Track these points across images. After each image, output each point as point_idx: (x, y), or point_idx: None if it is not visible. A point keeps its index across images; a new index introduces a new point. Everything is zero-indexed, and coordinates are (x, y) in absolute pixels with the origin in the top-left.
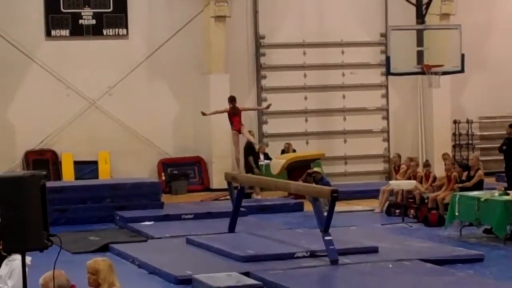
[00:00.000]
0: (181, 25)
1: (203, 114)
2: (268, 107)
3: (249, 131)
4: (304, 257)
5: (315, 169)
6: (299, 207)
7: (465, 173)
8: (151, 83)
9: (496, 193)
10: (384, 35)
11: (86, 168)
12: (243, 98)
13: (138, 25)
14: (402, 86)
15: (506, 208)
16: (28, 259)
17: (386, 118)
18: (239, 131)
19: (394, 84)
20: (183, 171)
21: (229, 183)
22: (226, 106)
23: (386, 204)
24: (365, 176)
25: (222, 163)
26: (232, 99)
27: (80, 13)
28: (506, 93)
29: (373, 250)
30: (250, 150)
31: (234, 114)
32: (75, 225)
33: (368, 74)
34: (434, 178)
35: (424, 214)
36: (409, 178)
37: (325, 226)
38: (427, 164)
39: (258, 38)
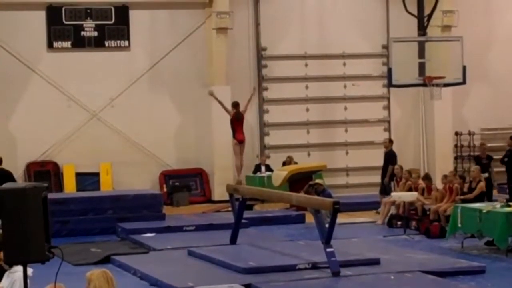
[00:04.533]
0: (183, 37)
1: (211, 93)
2: (254, 92)
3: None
4: (305, 269)
5: (317, 180)
6: (300, 219)
7: (467, 185)
8: (152, 94)
9: (498, 205)
10: (386, 47)
11: (88, 179)
12: None
13: (140, 37)
14: (403, 98)
15: (508, 220)
16: (29, 270)
17: (388, 129)
18: (240, 142)
19: (396, 96)
20: (185, 183)
21: (230, 195)
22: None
23: (388, 216)
24: (367, 188)
25: (224, 175)
26: (235, 105)
27: (82, 25)
28: (508, 104)
29: (375, 262)
30: (391, 159)
31: (237, 120)
32: (76, 236)
33: (370, 86)
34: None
35: (426, 226)
36: (409, 190)
37: (326, 238)
38: (426, 177)
39: (260, 50)
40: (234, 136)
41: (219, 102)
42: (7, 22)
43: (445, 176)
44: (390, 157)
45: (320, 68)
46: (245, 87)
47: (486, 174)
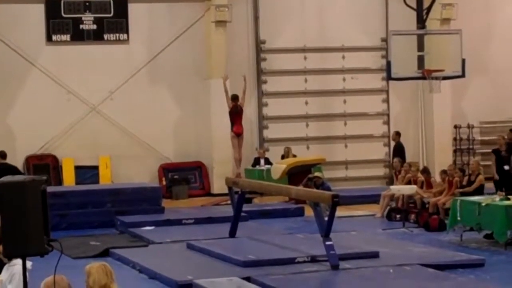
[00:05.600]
0: (181, 30)
1: (225, 79)
2: (245, 80)
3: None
4: (305, 262)
5: (316, 174)
6: (300, 212)
7: (466, 178)
8: (151, 88)
9: (497, 198)
10: (385, 40)
11: (87, 173)
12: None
13: (139, 30)
14: (402, 91)
15: (507, 213)
16: (28, 264)
17: (387, 123)
18: (238, 135)
19: (395, 89)
20: (184, 176)
21: (229, 188)
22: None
23: (387, 209)
24: (366, 181)
25: (223, 168)
26: (234, 98)
27: (80, 18)
28: (507, 97)
29: (374, 255)
30: (399, 152)
31: (235, 113)
32: (75, 230)
33: (368, 79)
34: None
35: (425, 219)
36: (409, 183)
37: (326, 231)
38: (424, 171)
39: (258, 43)
40: (232, 129)
41: (225, 91)
42: (6, 15)
43: (443, 172)
44: (397, 150)
45: (319, 61)
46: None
47: (507, 167)
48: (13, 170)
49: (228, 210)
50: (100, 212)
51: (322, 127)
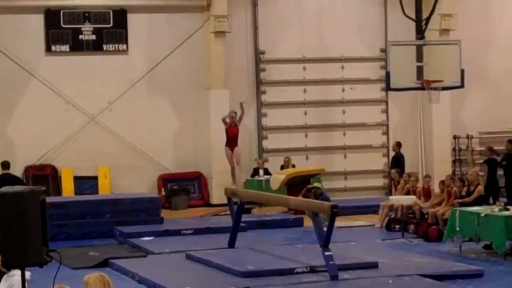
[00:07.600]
0: (181, 40)
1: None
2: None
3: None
4: (304, 272)
5: (315, 184)
6: (299, 223)
7: (465, 189)
8: (151, 98)
9: (496, 209)
10: (384, 51)
11: (86, 183)
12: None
13: (138, 40)
14: (402, 102)
15: (506, 224)
16: (27, 274)
17: (386, 133)
18: (232, 150)
19: (394, 100)
20: (183, 187)
21: (229, 199)
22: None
23: (386, 220)
24: (365, 191)
25: (222, 179)
26: (232, 118)
27: (80, 28)
28: (506, 108)
29: (373, 266)
30: (398, 162)
31: (232, 136)
32: (75, 240)
33: (368, 89)
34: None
35: (424, 229)
36: (408, 193)
37: (325, 241)
38: (427, 176)
39: (258, 54)
40: (226, 144)
41: (224, 123)
42: (5, 26)
43: (442, 182)
44: (396, 160)
45: (318, 71)
46: (243, 90)
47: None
48: (16, 180)
49: (227, 221)
50: (99, 223)
51: (321, 138)
